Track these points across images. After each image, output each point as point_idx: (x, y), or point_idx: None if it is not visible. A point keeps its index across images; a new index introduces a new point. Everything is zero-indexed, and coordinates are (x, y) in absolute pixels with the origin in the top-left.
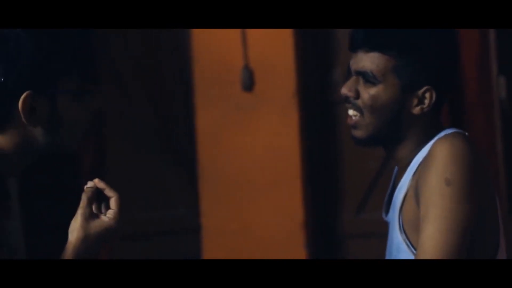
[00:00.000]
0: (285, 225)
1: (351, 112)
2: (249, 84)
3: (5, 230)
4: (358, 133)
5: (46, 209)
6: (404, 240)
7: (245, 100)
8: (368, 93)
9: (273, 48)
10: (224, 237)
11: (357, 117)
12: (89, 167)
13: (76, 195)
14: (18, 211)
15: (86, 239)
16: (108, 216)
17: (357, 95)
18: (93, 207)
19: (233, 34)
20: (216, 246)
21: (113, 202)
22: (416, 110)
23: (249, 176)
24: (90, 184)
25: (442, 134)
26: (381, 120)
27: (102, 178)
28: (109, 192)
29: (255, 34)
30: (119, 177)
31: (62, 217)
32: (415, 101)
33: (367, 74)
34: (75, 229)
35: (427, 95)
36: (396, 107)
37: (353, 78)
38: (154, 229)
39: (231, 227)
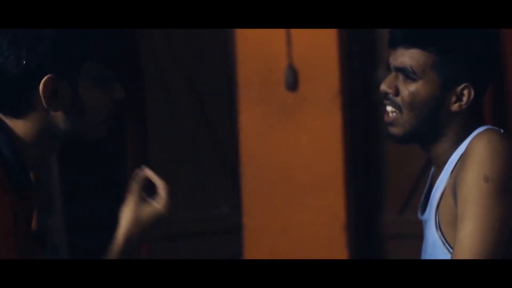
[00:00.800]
0: (327, 226)
1: (389, 108)
2: (293, 83)
3: (48, 225)
4: (395, 130)
5: (88, 205)
6: (440, 238)
7: (288, 100)
8: (407, 89)
9: (317, 47)
10: (266, 237)
11: (395, 114)
12: (132, 165)
13: (119, 192)
14: (61, 207)
15: (137, 224)
16: (159, 202)
17: (397, 92)
18: (143, 194)
19: (277, 34)
20: (258, 246)
21: (161, 190)
22: (455, 107)
23: (292, 176)
24: (139, 172)
25: (478, 131)
26: (419, 117)
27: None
28: (156, 180)
29: (299, 34)
30: (162, 177)
31: (104, 213)
32: (454, 98)
33: (407, 70)
34: (126, 213)
35: (466, 92)
36: (434, 104)
37: (393, 74)
38: (196, 228)
39: (273, 227)
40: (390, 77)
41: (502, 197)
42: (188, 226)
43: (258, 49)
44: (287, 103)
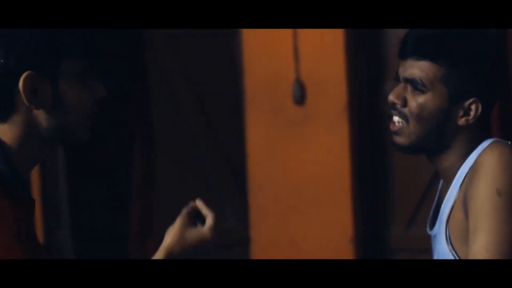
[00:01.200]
0: (334, 239)
1: (396, 118)
2: (300, 97)
3: (56, 239)
4: (400, 139)
5: (96, 218)
6: (451, 251)
7: (296, 113)
8: (416, 101)
9: (324, 61)
10: (273, 250)
11: (401, 124)
12: (139, 178)
13: (125, 205)
14: (69, 221)
15: (181, 244)
16: (206, 227)
17: (405, 103)
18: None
19: (285, 48)
20: (265, 258)
21: (209, 218)
22: (462, 121)
23: (299, 189)
24: (191, 204)
25: (486, 143)
26: (426, 129)
27: (151, 190)
28: (206, 211)
29: (306, 48)
30: (169, 189)
31: (111, 226)
32: (461, 112)
33: (416, 82)
34: (171, 232)
35: (473, 107)
36: (442, 117)
37: (401, 85)
38: None
39: (281, 240)
40: (399, 88)
41: None
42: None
43: (266, 63)
44: (294, 116)
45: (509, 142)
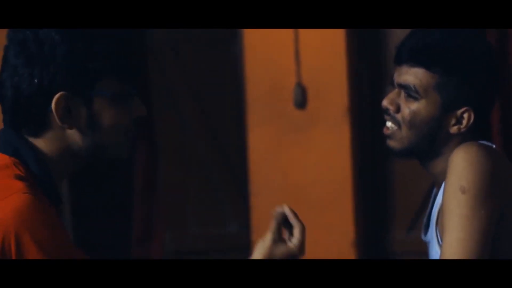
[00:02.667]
0: (336, 243)
1: (389, 124)
2: (301, 101)
3: None
4: (393, 143)
5: (97, 226)
6: None
7: (297, 118)
8: (408, 108)
9: (326, 66)
10: None
11: (394, 129)
12: (141, 183)
13: (127, 210)
14: (70, 228)
15: (269, 259)
16: (294, 243)
17: (398, 109)
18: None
19: (286, 52)
20: None
21: (297, 231)
22: (453, 129)
23: (300, 193)
24: (279, 209)
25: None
26: (418, 135)
27: (153, 195)
28: (294, 221)
29: (307, 52)
30: (171, 194)
31: (113, 234)
32: (453, 121)
33: (409, 89)
34: (262, 249)
35: (466, 115)
36: (434, 125)
37: (395, 91)
38: (206, 246)
39: None
40: (393, 94)
41: (480, 207)
42: (198, 243)
43: (267, 68)
44: (296, 121)
45: (494, 146)
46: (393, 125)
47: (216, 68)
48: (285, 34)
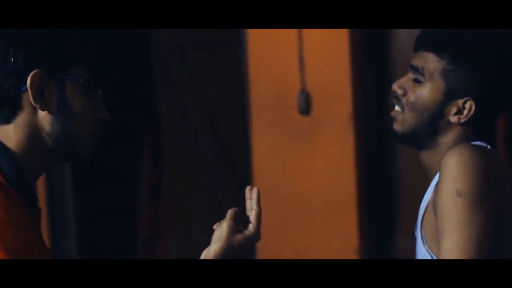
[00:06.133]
0: (340, 249)
1: (396, 107)
2: (305, 108)
3: (63, 250)
4: (396, 126)
5: (103, 228)
6: (427, 251)
7: (301, 124)
8: (413, 91)
9: (330, 72)
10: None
11: (399, 112)
12: (147, 190)
13: (133, 214)
14: (76, 232)
15: (228, 250)
16: (250, 230)
17: (405, 93)
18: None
19: (290, 58)
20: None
21: (253, 217)
22: (454, 118)
23: (305, 200)
24: (247, 187)
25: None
26: (419, 119)
27: (159, 200)
28: (254, 204)
29: (312, 58)
30: (176, 200)
31: (119, 237)
32: (454, 109)
33: (417, 70)
34: (220, 239)
35: (467, 105)
36: (435, 110)
37: (406, 76)
38: None
39: (287, 251)
40: (403, 79)
41: (477, 210)
42: (202, 249)
43: (271, 74)
44: (300, 127)
45: (488, 146)
46: (398, 108)
47: (220, 75)
48: (289, 41)
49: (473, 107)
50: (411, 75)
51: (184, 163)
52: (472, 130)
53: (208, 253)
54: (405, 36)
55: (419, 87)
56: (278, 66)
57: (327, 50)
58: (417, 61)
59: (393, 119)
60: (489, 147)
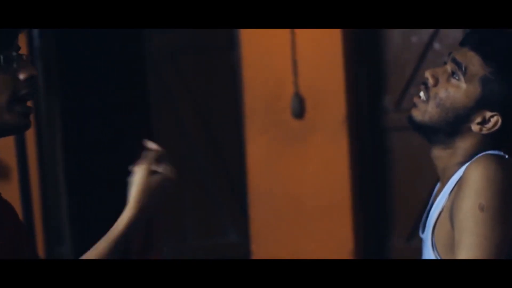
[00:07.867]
0: (335, 252)
1: (421, 94)
2: (299, 111)
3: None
4: (415, 113)
5: (97, 234)
6: (436, 258)
7: (295, 127)
8: (446, 88)
9: (323, 75)
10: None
11: (423, 100)
12: None
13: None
14: (70, 237)
15: (148, 191)
16: (164, 169)
17: (436, 84)
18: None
19: (283, 61)
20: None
21: (163, 158)
22: (476, 127)
23: (299, 203)
24: (149, 145)
25: (478, 156)
26: (442, 116)
27: None
28: (157, 148)
29: (305, 62)
30: (169, 205)
31: None
32: (479, 119)
33: (460, 66)
34: (137, 182)
35: (493, 120)
36: (462, 114)
37: (443, 68)
38: (205, 256)
39: (281, 254)
40: (439, 68)
41: (497, 226)
42: (197, 253)
43: (265, 77)
44: (293, 130)
45: (506, 156)
46: (423, 97)
47: (214, 78)
48: (282, 44)
49: (499, 123)
50: (448, 68)
51: (177, 167)
52: (490, 140)
53: (130, 198)
54: (398, 38)
55: (454, 85)
56: (271, 70)
57: (321, 53)
58: (461, 58)
59: (414, 105)
60: (507, 156)
